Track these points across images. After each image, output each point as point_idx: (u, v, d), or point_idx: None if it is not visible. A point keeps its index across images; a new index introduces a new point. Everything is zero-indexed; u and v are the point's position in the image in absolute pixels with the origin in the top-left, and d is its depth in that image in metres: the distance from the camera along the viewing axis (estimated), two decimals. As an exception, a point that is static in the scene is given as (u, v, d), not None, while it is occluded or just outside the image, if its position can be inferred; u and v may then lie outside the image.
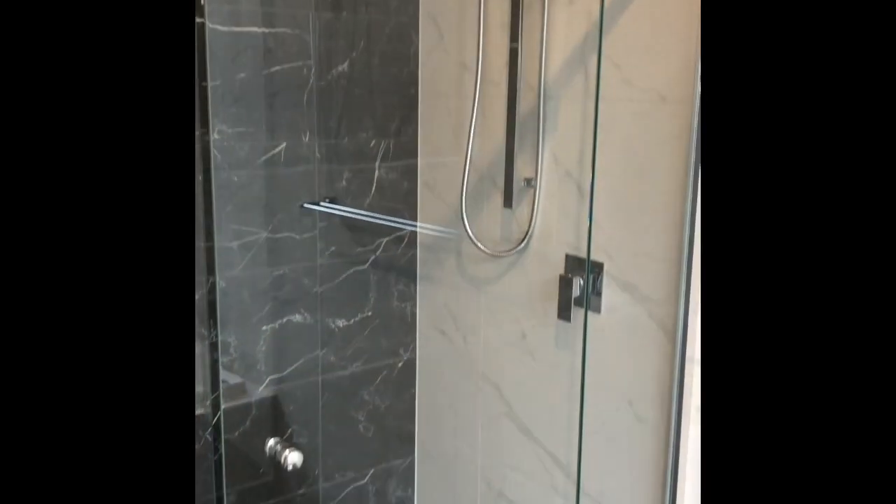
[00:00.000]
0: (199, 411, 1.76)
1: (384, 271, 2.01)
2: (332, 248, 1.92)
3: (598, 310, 1.52)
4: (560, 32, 1.55)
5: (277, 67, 1.76)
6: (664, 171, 1.38)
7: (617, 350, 1.50)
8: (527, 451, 1.74)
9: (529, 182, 1.65)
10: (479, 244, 1.73)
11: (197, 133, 1.61)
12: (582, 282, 1.54)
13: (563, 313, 1.59)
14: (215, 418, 1.74)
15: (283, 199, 1.83)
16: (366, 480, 2.11)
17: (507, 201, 1.71)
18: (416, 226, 1.98)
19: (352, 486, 2.09)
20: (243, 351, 1.84)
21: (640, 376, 1.46)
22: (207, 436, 1.75)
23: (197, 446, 1.75)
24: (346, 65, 1.86)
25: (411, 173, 1.98)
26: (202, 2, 1.58)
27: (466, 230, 1.72)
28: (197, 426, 1.76)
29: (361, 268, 1.99)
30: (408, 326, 2.06)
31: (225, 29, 1.68)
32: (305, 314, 1.92)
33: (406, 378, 2.09)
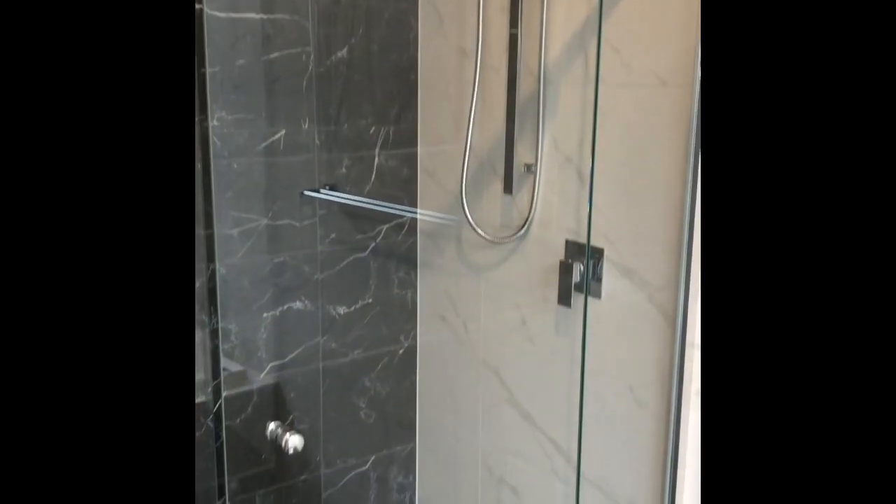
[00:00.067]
0: (200, 399, 1.77)
1: (384, 258, 2.01)
2: (333, 236, 1.92)
3: (598, 295, 1.52)
4: (560, 17, 1.54)
5: (276, 54, 1.76)
6: (664, 155, 1.38)
7: (617, 335, 1.50)
8: (527, 436, 1.74)
9: (529, 168, 1.64)
10: (480, 230, 1.73)
11: (195, 120, 1.61)
12: (582, 267, 1.54)
13: (564, 299, 1.59)
14: (216, 406, 1.75)
15: (283, 186, 1.83)
16: (367, 467, 2.12)
17: (508, 187, 1.70)
18: (416, 212, 1.98)
19: (353, 473, 2.10)
20: (244, 338, 1.84)
21: (640, 361, 1.46)
22: (209, 422, 1.76)
23: (198, 433, 1.75)
24: (345, 51, 1.85)
25: (411, 160, 1.97)
26: (200, -13, 1.58)
27: (467, 217, 1.72)
28: (198, 413, 1.76)
29: (362, 255, 1.99)
30: (408, 313, 2.07)
31: (223, 15, 1.67)
32: (306, 301, 1.92)
33: (407, 365, 2.10)
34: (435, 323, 1.99)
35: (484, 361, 1.84)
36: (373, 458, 2.12)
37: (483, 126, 1.73)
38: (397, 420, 2.12)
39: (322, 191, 1.89)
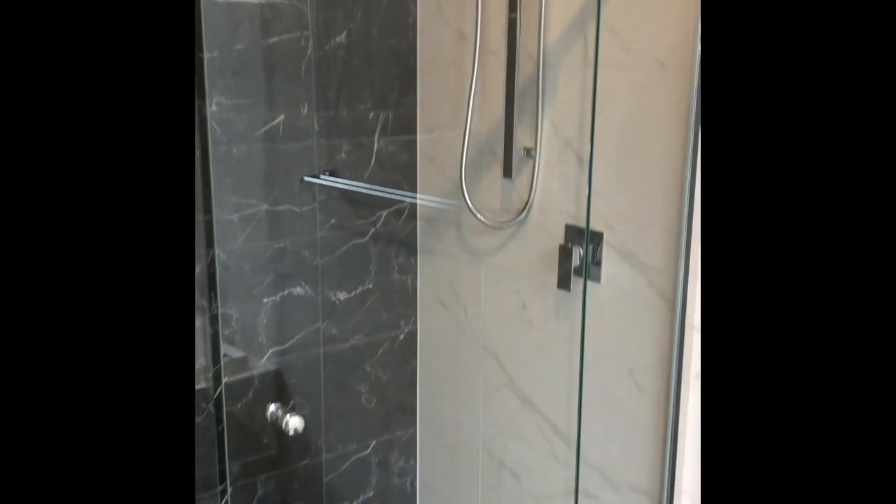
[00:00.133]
0: (200, 385, 1.77)
1: (385, 244, 2.01)
2: (332, 221, 1.92)
3: (597, 279, 1.52)
4: (559, 0, 1.54)
5: (275, 39, 1.75)
6: (664, 138, 1.37)
7: (617, 319, 1.50)
8: (527, 420, 1.75)
9: (529, 152, 1.64)
10: (479, 215, 1.73)
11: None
12: (582, 252, 1.54)
13: (564, 283, 1.59)
14: (217, 392, 1.75)
15: (283, 171, 1.82)
16: (368, 452, 2.13)
17: (507, 172, 1.70)
18: (415, 198, 1.98)
19: (354, 457, 2.11)
20: (244, 324, 1.85)
21: (639, 345, 1.47)
22: (210, 407, 1.76)
23: (199, 419, 1.76)
24: (343, 35, 1.84)
25: (411, 145, 1.97)
26: (198, -28, 1.57)
27: (466, 201, 1.72)
28: (198, 399, 1.77)
29: (362, 240, 1.99)
30: (409, 299, 2.07)
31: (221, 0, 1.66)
32: (306, 287, 1.92)
33: (407, 350, 2.10)
34: (435, 308, 1.99)
35: (484, 346, 1.85)
36: (374, 442, 2.12)
37: (482, 110, 1.73)
38: (398, 405, 2.13)
39: (322, 176, 1.89)
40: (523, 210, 1.66)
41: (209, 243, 1.69)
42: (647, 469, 1.49)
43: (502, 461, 1.84)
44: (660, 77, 1.37)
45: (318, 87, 1.83)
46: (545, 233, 1.63)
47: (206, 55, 1.63)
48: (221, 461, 1.81)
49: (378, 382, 2.09)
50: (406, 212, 2.02)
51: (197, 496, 1.79)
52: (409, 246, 2.03)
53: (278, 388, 1.95)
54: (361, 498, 2.15)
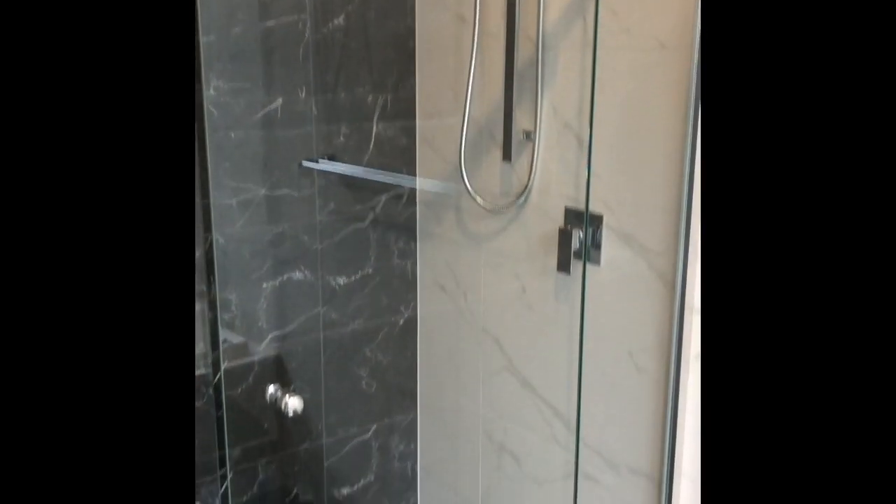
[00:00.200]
0: (199, 371, 1.77)
1: (384, 228, 2.01)
2: (332, 206, 1.92)
3: (597, 262, 1.52)
4: (558, -19, 1.53)
5: (272, 22, 1.74)
6: (664, 119, 1.37)
7: (616, 301, 1.50)
8: (527, 403, 1.75)
9: (528, 135, 1.63)
10: (479, 199, 1.72)
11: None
12: (581, 234, 1.53)
13: (563, 266, 1.59)
14: (216, 377, 1.76)
15: (281, 155, 1.82)
16: (369, 435, 2.13)
17: (507, 155, 1.69)
18: (415, 181, 1.97)
19: (355, 441, 2.12)
20: (244, 309, 1.85)
21: (639, 327, 1.47)
22: (210, 392, 1.77)
23: (199, 404, 1.76)
24: (342, 18, 1.83)
25: (409, 129, 1.96)
26: (194, -46, 1.56)
27: (466, 185, 1.71)
28: (198, 384, 1.77)
29: (361, 225, 1.98)
30: (408, 284, 2.07)
31: (218, -18, 1.66)
32: (306, 271, 1.92)
33: (407, 335, 2.10)
34: (435, 292, 1.99)
35: (484, 330, 1.85)
36: (374, 426, 2.13)
37: (481, 93, 1.72)
38: (398, 389, 2.13)
39: (321, 161, 1.88)
40: (523, 193, 1.65)
41: (207, 227, 1.69)
42: (647, 451, 1.49)
43: (502, 444, 1.84)
44: (660, 57, 1.36)
45: (317, 71, 1.83)
46: (545, 216, 1.63)
47: (204, 39, 1.62)
48: (221, 446, 1.82)
49: (378, 367, 2.09)
50: (405, 196, 2.01)
51: (198, 480, 1.80)
52: (408, 230, 2.03)
53: (279, 372, 1.96)
54: (362, 482, 2.15)
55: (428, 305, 2.03)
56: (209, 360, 1.76)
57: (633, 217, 1.45)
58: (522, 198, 1.66)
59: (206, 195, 1.67)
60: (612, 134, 1.46)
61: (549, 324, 1.67)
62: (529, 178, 1.63)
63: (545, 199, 1.62)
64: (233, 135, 1.72)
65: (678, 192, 1.36)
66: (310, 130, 1.85)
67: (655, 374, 1.45)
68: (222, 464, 1.84)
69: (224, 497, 1.81)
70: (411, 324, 2.09)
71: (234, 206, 1.76)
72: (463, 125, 1.68)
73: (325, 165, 1.89)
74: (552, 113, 1.58)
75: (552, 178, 1.60)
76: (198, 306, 1.73)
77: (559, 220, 1.59)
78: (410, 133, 1.96)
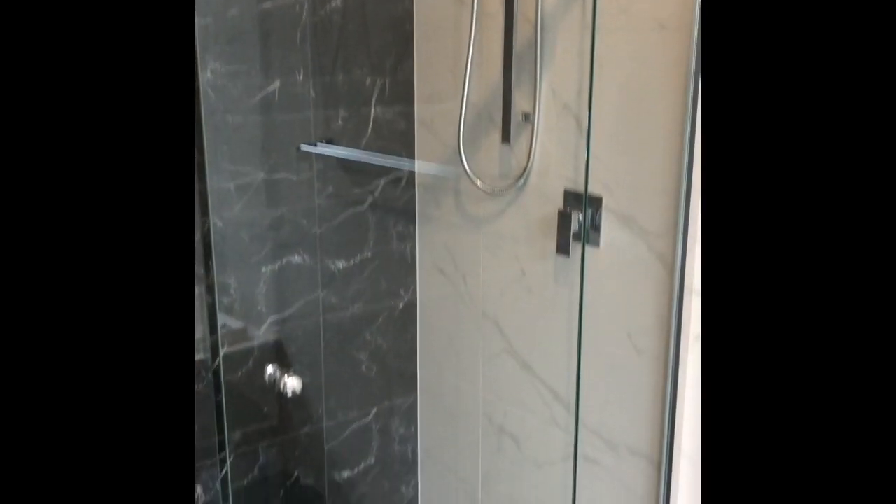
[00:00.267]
0: (199, 356, 1.77)
1: (383, 212, 2.00)
2: (330, 189, 1.91)
3: (597, 244, 1.52)
4: (557, -39, 1.51)
5: (269, 4, 1.73)
6: (664, 100, 1.36)
7: (616, 283, 1.50)
8: (527, 386, 1.75)
9: (527, 117, 1.62)
10: (478, 182, 1.72)
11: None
12: (581, 216, 1.53)
13: (563, 249, 1.58)
14: (215, 362, 1.76)
15: (279, 139, 1.81)
16: (369, 419, 2.14)
17: (506, 137, 1.69)
18: (413, 164, 1.96)
19: (355, 425, 2.12)
20: (243, 293, 1.85)
21: (638, 309, 1.46)
22: (210, 376, 1.77)
23: (199, 387, 1.76)
24: (339, 0, 1.82)
25: (408, 112, 1.95)
26: (189, -65, 1.54)
27: (465, 168, 1.70)
28: (198, 369, 1.77)
29: (360, 209, 1.98)
30: (407, 267, 2.06)
31: (214, -36, 1.64)
32: (304, 255, 1.92)
33: (407, 318, 2.10)
34: (434, 276, 1.99)
35: (483, 313, 1.85)
36: (374, 410, 2.13)
37: (480, 75, 1.71)
38: (398, 373, 2.13)
39: (319, 144, 1.88)
40: (522, 175, 1.65)
41: (204, 211, 1.68)
42: (647, 431, 1.49)
43: (502, 427, 1.85)
44: (659, 38, 1.35)
45: (314, 53, 1.81)
46: (544, 198, 1.62)
47: (200, 21, 1.61)
48: (221, 429, 1.82)
49: (378, 350, 2.09)
50: (404, 180, 2.01)
51: (198, 464, 1.80)
52: (407, 214, 2.03)
53: (279, 356, 1.96)
54: (363, 465, 2.16)
55: (427, 289, 2.03)
56: (208, 345, 1.76)
57: (632, 199, 1.44)
58: (521, 180, 1.66)
59: (202, 179, 1.67)
60: (611, 115, 1.45)
61: (549, 306, 1.67)
62: (528, 161, 1.63)
63: (544, 181, 1.62)
64: (230, 118, 1.71)
65: (678, 173, 1.35)
66: (308, 114, 1.84)
67: (655, 355, 1.45)
68: (222, 448, 1.84)
69: (224, 480, 1.82)
70: (411, 307, 2.09)
71: (233, 189, 1.75)
72: (461, 107, 1.67)
73: (323, 149, 1.89)
74: (551, 95, 1.57)
75: (551, 160, 1.60)
76: (196, 290, 1.72)
77: (558, 203, 1.59)
78: (409, 116, 1.96)
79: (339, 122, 1.89)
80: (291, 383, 1.89)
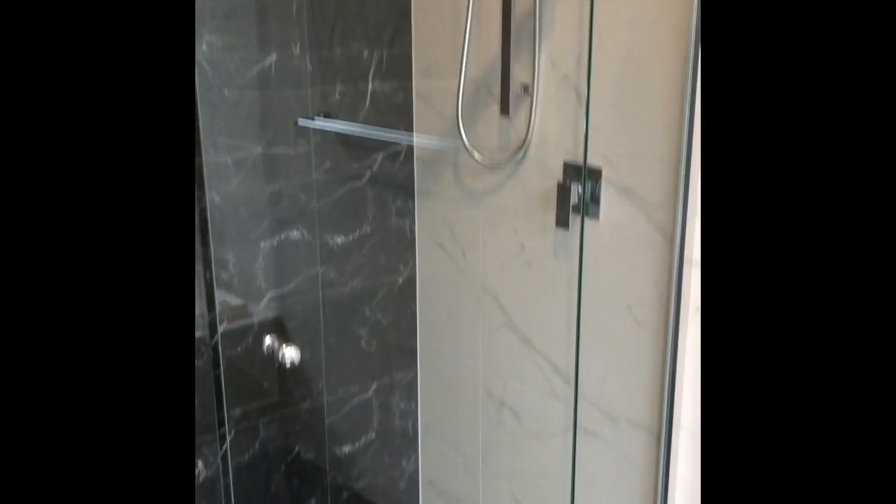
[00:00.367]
0: (198, 332, 1.77)
1: (381, 187, 1.99)
2: (328, 164, 1.90)
3: (596, 217, 1.51)
4: (556, -71, 1.49)
5: (264, -25, 1.71)
6: (663, 70, 1.35)
7: (616, 255, 1.50)
8: (526, 359, 1.75)
9: (526, 88, 1.61)
10: (477, 155, 1.71)
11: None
12: (580, 189, 1.52)
13: (562, 222, 1.58)
14: (213, 338, 1.75)
15: (276, 113, 1.80)
16: (370, 394, 2.14)
17: (504, 109, 1.67)
18: (412, 138, 1.95)
19: (356, 400, 2.12)
20: (242, 268, 1.84)
21: (638, 281, 1.46)
22: (210, 351, 1.77)
23: (199, 363, 1.76)
24: (335, -29, 1.80)
25: (406, 85, 1.94)
26: None
27: (463, 141, 1.69)
28: (197, 345, 1.77)
29: (358, 184, 1.97)
30: (407, 242, 2.06)
31: (208, -66, 1.62)
32: (303, 230, 1.91)
33: (406, 294, 2.10)
34: (434, 251, 1.98)
35: (483, 288, 1.84)
36: (374, 385, 2.14)
37: (478, 47, 1.69)
38: (398, 348, 2.13)
39: (317, 118, 1.86)
40: (521, 148, 1.64)
41: (199, 185, 1.67)
42: (646, 404, 1.49)
43: (502, 400, 1.85)
44: (659, 7, 1.33)
45: (311, 26, 1.79)
46: (544, 171, 1.61)
47: (195, -7, 1.59)
48: (220, 405, 1.82)
49: (378, 326, 2.09)
50: (402, 154, 1.99)
51: (199, 439, 1.81)
52: (406, 189, 2.01)
53: (278, 331, 1.96)
54: (363, 439, 2.17)
55: (427, 264, 2.03)
56: (206, 321, 1.75)
57: (632, 170, 1.43)
58: (521, 153, 1.64)
59: (198, 154, 1.66)
60: (610, 86, 1.44)
61: (548, 280, 1.66)
62: (528, 133, 1.61)
63: (544, 153, 1.61)
64: (226, 92, 1.69)
65: (678, 143, 1.34)
66: (305, 87, 1.83)
67: (654, 327, 1.45)
68: (222, 423, 1.84)
69: (225, 456, 1.83)
70: (410, 283, 2.09)
71: (230, 164, 1.74)
72: (460, 79, 1.65)
73: (320, 123, 1.87)
74: (550, 66, 1.56)
75: (551, 132, 1.59)
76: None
77: (558, 175, 1.58)
78: (407, 89, 1.94)
79: (337, 95, 1.87)
80: (290, 353, 1.90)
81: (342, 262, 1.99)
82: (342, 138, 1.92)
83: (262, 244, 1.85)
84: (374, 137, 1.94)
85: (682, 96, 1.32)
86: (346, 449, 2.15)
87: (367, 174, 1.97)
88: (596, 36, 1.43)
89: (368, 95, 1.91)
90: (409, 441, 2.18)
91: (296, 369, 1.95)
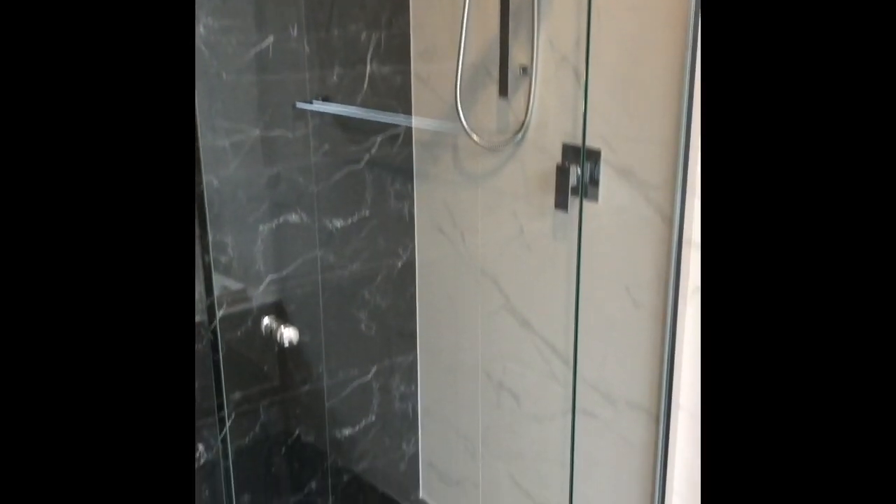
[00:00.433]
0: (197, 317, 1.77)
1: (380, 170, 1.99)
2: (326, 147, 1.89)
3: (595, 198, 1.50)
4: None
5: (261, -44, 1.70)
6: (662, 51, 1.34)
7: (614, 237, 1.49)
8: (525, 342, 1.75)
9: (525, 70, 1.60)
10: (475, 137, 1.70)
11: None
12: (579, 171, 1.51)
13: (561, 204, 1.57)
14: (212, 323, 1.75)
15: (274, 95, 1.79)
16: (370, 377, 2.14)
17: (503, 90, 1.66)
18: (410, 121, 1.94)
19: (356, 383, 2.13)
20: (241, 251, 1.84)
21: (637, 262, 1.46)
22: (210, 335, 1.77)
23: (199, 346, 1.76)
24: (332, -48, 1.78)
25: (404, 67, 1.92)
26: None
27: (462, 123, 1.68)
28: (197, 328, 1.77)
29: (357, 167, 1.96)
30: (406, 226, 2.05)
31: (203, -85, 1.60)
32: (302, 214, 1.90)
33: (406, 277, 2.10)
34: (433, 234, 1.98)
35: (482, 270, 1.84)
36: (374, 368, 2.14)
37: (477, 28, 1.68)
38: (398, 331, 2.13)
39: (315, 101, 1.85)
40: (520, 130, 1.63)
41: (197, 169, 1.67)
42: (645, 385, 1.50)
43: (501, 383, 1.85)
44: (659, -14, 1.32)
45: (308, 8, 1.78)
46: (542, 152, 1.61)
47: (191, -26, 1.58)
48: (219, 388, 1.83)
49: (377, 309, 2.09)
50: (401, 137, 1.98)
51: (199, 422, 1.81)
52: (404, 172, 2.01)
53: (278, 315, 1.96)
54: (363, 422, 2.18)
55: (426, 247, 2.03)
56: (205, 305, 1.75)
57: (630, 151, 1.43)
58: (520, 134, 1.64)
59: (196, 137, 1.65)
60: (609, 67, 1.43)
61: (547, 262, 1.66)
62: (526, 114, 1.61)
63: (542, 135, 1.60)
64: (224, 74, 1.69)
65: (677, 125, 1.33)
66: (303, 70, 1.82)
67: (653, 308, 1.45)
68: (221, 407, 1.85)
69: (225, 439, 1.83)
70: (410, 266, 2.09)
71: (228, 147, 1.73)
72: (458, 61, 1.64)
73: (319, 106, 1.86)
74: (549, 46, 1.55)
75: (549, 114, 1.58)
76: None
77: (557, 157, 1.57)
78: (405, 71, 1.93)
79: (335, 78, 1.86)
80: (288, 334, 1.90)
81: (341, 245, 1.99)
82: (340, 121, 1.91)
83: (260, 228, 1.85)
84: (372, 120, 1.93)
85: (681, 77, 1.31)
86: (347, 432, 2.16)
87: (366, 157, 1.96)
88: (595, 16, 1.42)
89: (367, 78, 1.90)
90: (409, 424, 2.18)
91: (295, 352, 1.95)
